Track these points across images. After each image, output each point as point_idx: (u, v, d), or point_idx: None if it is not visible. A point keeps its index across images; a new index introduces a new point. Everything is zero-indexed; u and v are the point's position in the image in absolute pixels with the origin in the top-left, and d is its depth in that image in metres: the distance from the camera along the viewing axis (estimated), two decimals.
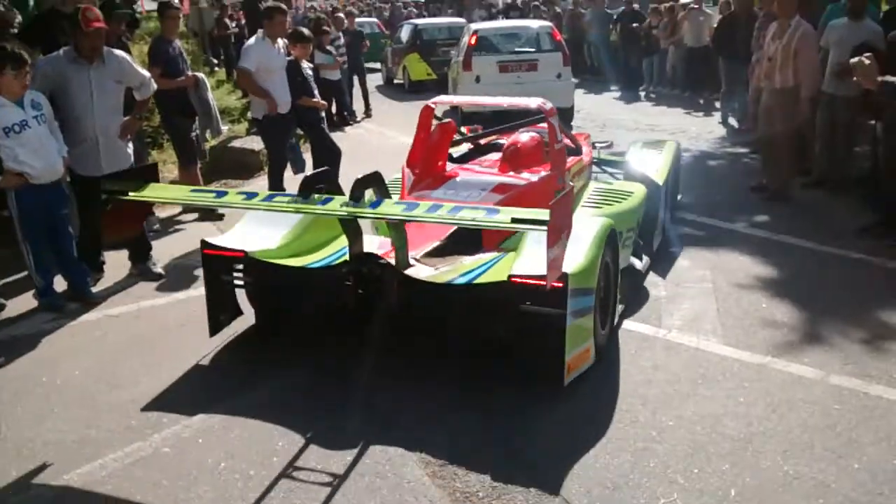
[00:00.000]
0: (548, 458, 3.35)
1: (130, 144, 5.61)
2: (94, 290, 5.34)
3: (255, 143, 8.82)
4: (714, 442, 3.43)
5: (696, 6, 13.29)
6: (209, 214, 7.09)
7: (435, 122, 5.80)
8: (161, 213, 7.21)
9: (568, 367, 3.75)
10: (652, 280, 5.29)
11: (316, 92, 7.53)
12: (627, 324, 4.64)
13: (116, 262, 5.73)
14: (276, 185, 7.02)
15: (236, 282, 4.49)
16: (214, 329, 4.45)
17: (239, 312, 4.59)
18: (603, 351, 4.18)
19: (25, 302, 5.18)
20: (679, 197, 7.05)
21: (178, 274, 5.72)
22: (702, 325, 4.61)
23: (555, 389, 3.79)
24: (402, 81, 17.05)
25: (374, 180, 4.04)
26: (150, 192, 4.00)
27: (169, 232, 6.77)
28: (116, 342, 4.67)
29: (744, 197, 7.29)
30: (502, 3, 26.97)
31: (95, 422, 3.74)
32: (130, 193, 3.85)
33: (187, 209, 7.27)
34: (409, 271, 4.10)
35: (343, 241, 4.35)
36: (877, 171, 6.43)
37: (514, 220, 3.41)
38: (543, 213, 3.25)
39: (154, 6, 17.44)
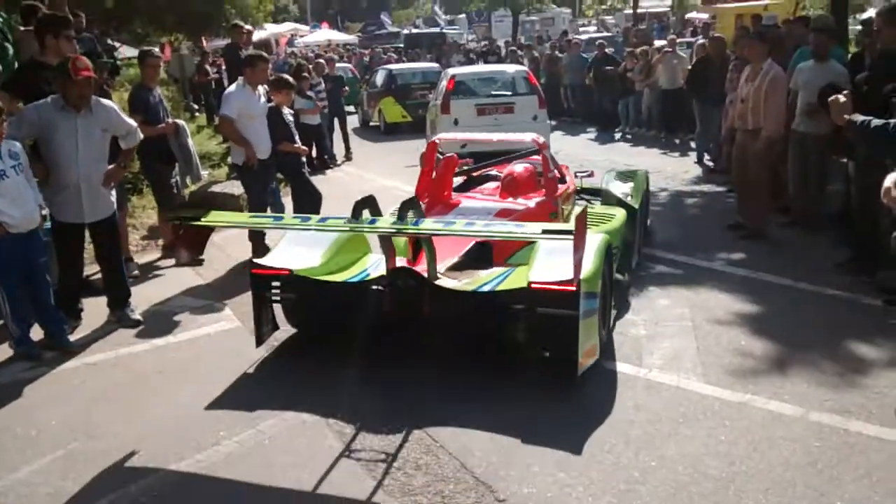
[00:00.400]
0: (530, 501, 3.32)
1: (114, 192, 5.61)
2: (73, 337, 5.28)
3: (236, 188, 8.81)
4: (696, 482, 3.42)
5: (669, 49, 13.58)
6: (188, 260, 7.05)
7: (439, 156, 6.35)
8: (140, 259, 7.19)
9: (580, 360, 4.18)
10: (631, 319, 5.32)
11: (297, 137, 7.58)
12: (608, 363, 4.64)
13: (95, 310, 5.68)
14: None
15: (276, 298, 4.89)
16: (259, 341, 4.87)
17: (276, 327, 5.01)
18: (604, 349, 4.63)
19: (2, 352, 5.09)
20: (649, 221, 7.41)
21: (157, 320, 5.67)
22: (682, 364, 4.63)
23: (537, 426, 3.80)
24: (377, 124, 17.43)
25: (413, 204, 4.65)
26: (217, 218, 4.66)
27: (148, 278, 6.73)
28: (94, 391, 4.60)
29: (721, 235, 7.37)
30: (480, 47, 27.45)
31: (71, 473, 3.67)
32: (202, 219, 4.40)
33: (166, 255, 7.25)
34: (438, 283, 4.62)
35: (367, 261, 5.11)
36: (849, 208, 6.54)
37: (544, 232, 4.10)
38: (569, 226, 3.87)
39: (134, 53, 17.62)
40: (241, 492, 3.50)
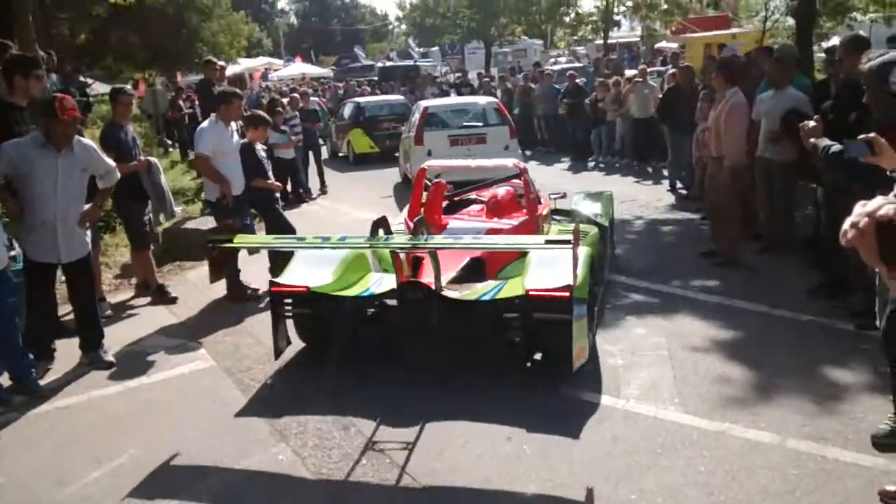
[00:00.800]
0: None
1: (88, 231, 5.55)
2: (44, 380, 5.18)
3: (209, 224, 8.75)
4: None
5: (640, 79, 13.78)
6: (162, 298, 6.99)
7: (427, 182, 6.82)
8: (113, 298, 7.10)
9: (574, 359, 4.58)
10: (608, 349, 5.33)
11: (270, 173, 7.56)
12: (586, 395, 4.65)
13: (67, 351, 5.57)
14: (232, 266, 6.96)
15: (289, 314, 5.19)
16: (277, 354, 5.16)
17: (289, 341, 5.28)
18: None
19: None
20: (615, 241, 7.87)
21: (130, 361, 5.58)
22: (659, 394, 4.63)
23: (518, 460, 3.75)
24: (346, 154, 17.92)
25: (423, 223, 5.14)
26: (245, 241, 5.33)
27: (121, 318, 6.64)
28: (65, 435, 4.51)
29: (695, 263, 7.42)
30: (454, 78, 27.69)
31: None
32: (235, 240, 4.98)
33: (140, 294, 7.18)
34: (444, 294, 4.96)
35: (369, 280, 5.40)
36: (820, 233, 6.62)
37: (547, 242, 4.67)
38: (568, 236, 4.29)
39: (106, 89, 17.56)
40: None
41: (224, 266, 5.62)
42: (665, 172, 12.08)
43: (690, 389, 4.67)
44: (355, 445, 4.17)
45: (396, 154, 15.51)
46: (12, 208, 5.18)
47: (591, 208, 7.40)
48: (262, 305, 6.75)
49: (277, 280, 5.25)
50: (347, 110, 18.52)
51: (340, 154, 18.28)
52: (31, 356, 5.20)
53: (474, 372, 5.08)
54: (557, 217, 7.34)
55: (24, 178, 5.11)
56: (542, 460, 3.92)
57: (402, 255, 5.28)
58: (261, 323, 6.27)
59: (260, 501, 3.70)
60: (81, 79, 18.97)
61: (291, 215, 8.12)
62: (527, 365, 5.11)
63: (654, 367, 5.04)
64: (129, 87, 8.49)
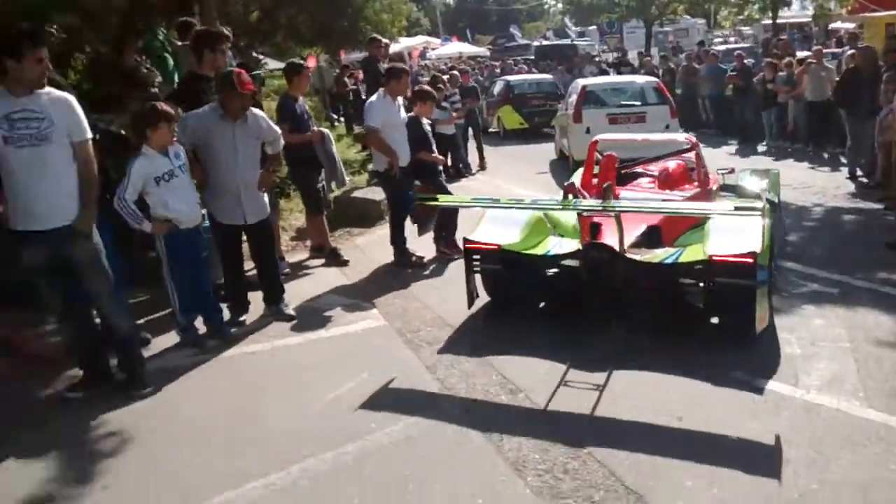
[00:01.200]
0: None
1: (266, 195, 5.90)
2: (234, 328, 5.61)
3: (376, 194, 9.11)
4: None
5: (814, 61, 12.96)
6: (335, 260, 7.34)
7: (598, 154, 7.11)
8: (289, 258, 7.52)
9: (757, 323, 4.74)
10: (784, 337, 5.10)
11: (434, 146, 7.71)
12: (761, 381, 4.48)
13: (251, 304, 5.96)
14: (398, 232, 7.21)
15: (477, 268, 5.57)
16: (470, 303, 5.55)
17: (477, 294, 5.63)
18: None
19: (169, 339, 5.44)
20: (787, 228, 7.76)
21: (309, 315, 5.92)
22: (842, 386, 4.39)
23: (687, 439, 3.70)
24: (496, 130, 18.40)
25: (609, 189, 5.33)
26: (447, 200, 6.24)
27: (298, 276, 7.04)
28: (253, 378, 4.88)
29: (879, 254, 6.94)
30: (612, 58, 27.07)
31: (232, 453, 3.91)
32: (440, 198, 5.99)
33: (314, 255, 7.57)
34: (627, 256, 5.14)
35: (549, 242, 5.65)
36: None
37: (736, 208, 4.78)
38: (759, 204, 4.60)
39: (276, 65, 18.42)
40: (387, 483, 3.61)
41: (428, 221, 6.77)
42: (843, 159, 11.33)
43: (876, 384, 4.40)
44: (523, 410, 4.25)
45: (545, 130, 15.48)
46: (198, 175, 5.58)
47: (757, 185, 7.17)
48: (426, 273, 6.98)
49: (471, 237, 5.56)
50: (497, 88, 18.96)
51: (491, 130, 18.52)
52: (229, 307, 5.71)
53: (650, 343, 5.07)
54: (724, 193, 7.16)
55: (204, 148, 5.49)
56: (714, 440, 3.83)
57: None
58: (426, 287, 6.52)
59: (428, 457, 3.83)
60: (254, 54, 20.05)
61: (453, 189, 8.27)
62: (706, 326, 5.25)
63: (834, 358, 4.78)
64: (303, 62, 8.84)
